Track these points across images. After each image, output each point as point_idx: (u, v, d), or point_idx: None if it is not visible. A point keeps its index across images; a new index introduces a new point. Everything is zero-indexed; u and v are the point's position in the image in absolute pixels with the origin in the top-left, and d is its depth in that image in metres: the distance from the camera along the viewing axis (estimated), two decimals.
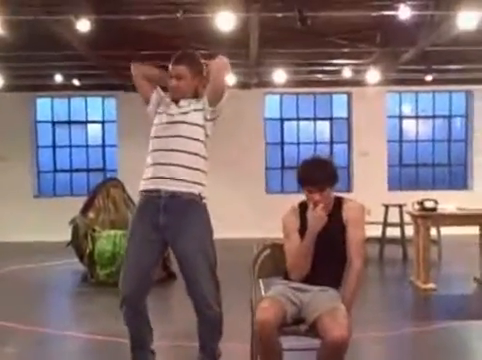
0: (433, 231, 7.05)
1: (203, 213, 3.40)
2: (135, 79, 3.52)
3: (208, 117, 3.42)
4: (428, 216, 6.29)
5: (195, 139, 3.40)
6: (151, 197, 3.37)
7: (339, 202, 3.19)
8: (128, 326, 3.46)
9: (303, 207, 3.19)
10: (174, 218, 3.31)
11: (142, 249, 3.33)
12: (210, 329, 3.48)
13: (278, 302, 3.01)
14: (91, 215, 7.49)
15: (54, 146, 11.84)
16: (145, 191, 3.42)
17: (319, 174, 3.12)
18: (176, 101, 3.42)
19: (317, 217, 3.07)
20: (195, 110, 3.41)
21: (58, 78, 10.00)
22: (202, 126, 3.42)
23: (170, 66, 3.40)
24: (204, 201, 3.40)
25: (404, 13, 6.49)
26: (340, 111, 11.76)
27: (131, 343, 3.54)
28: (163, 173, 3.35)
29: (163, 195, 3.32)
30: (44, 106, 11.84)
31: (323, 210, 3.08)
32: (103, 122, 11.76)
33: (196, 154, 3.40)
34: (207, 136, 3.44)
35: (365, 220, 3.19)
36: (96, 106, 11.77)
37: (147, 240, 3.34)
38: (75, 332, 4.82)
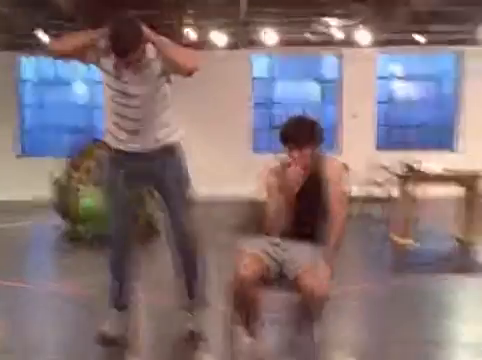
0: (418, 191, 7.05)
1: (178, 151, 3.46)
2: (62, 56, 3.22)
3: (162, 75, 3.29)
4: (413, 176, 6.28)
5: (162, 102, 3.35)
6: (126, 148, 3.35)
7: (321, 161, 3.18)
8: (110, 268, 3.49)
9: (284, 166, 3.19)
10: (151, 163, 3.37)
11: (122, 196, 3.40)
12: (193, 265, 3.52)
13: (259, 258, 3.02)
14: (75, 175, 7.43)
15: (39, 106, 11.67)
16: (116, 149, 3.40)
17: (300, 133, 3.13)
18: (125, 65, 3.19)
19: (295, 174, 3.05)
20: (157, 76, 3.27)
21: (43, 37, 9.78)
22: (160, 87, 3.31)
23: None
24: (176, 140, 3.44)
25: None
26: (330, 72, 11.63)
27: (110, 289, 3.55)
28: (132, 139, 3.33)
29: (141, 151, 3.35)
30: (29, 65, 11.62)
31: (301, 169, 3.05)
32: (89, 82, 11.58)
33: (165, 111, 3.35)
34: (169, 82, 3.35)
35: (347, 178, 3.18)
36: (82, 66, 11.54)
37: (125, 186, 3.40)
38: (58, 287, 4.86)
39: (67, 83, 11.66)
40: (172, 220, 3.48)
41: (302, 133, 3.12)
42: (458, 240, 6.52)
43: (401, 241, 6.27)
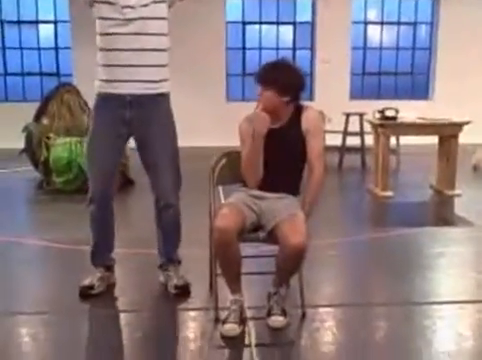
0: (393, 140, 7.08)
1: (168, 105, 3.36)
2: None
3: (169, 5, 3.24)
4: (388, 125, 6.29)
5: (161, 34, 3.20)
6: (114, 96, 3.22)
7: (298, 110, 3.12)
8: (93, 227, 3.43)
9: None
10: (141, 112, 3.24)
11: (108, 145, 3.27)
12: (170, 228, 3.48)
13: (237, 209, 2.99)
14: (45, 122, 7.22)
15: (3, 48, 11.20)
16: (105, 94, 3.24)
17: (271, 73, 3.02)
18: None
19: (258, 117, 2.97)
20: (155, 2, 3.16)
21: None
22: (166, 18, 3.20)
23: None
24: (169, 94, 3.36)
25: None
26: (304, 15, 11.39)
27: (93, 247, 3.52)
28: (125, 76, 3.17)
29: (128, 98, 3.21)
30: None
31: (263, 109, 2.97)
32: (55, 22, 11.11)
33: (162, 50, 3.23)
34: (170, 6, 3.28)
35: (324, 128, 3.14)
36: (47, 4, 11.06)
37: (112, 136, 3.28)
38: (32, 239, 4.76)
39: (31, 23, 11.15)
40: (152, 182, 3.38)
41: (272, 74, 3.01)
42: (435, 190, 6.60)
43: (379, 193, 6.31)
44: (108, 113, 3.26)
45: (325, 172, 3.10)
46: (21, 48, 11.18)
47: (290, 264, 2.93)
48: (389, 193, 6.30)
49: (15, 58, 11.19)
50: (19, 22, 11.14)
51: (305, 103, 3.19)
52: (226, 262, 2.96)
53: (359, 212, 5.99)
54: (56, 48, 11.17)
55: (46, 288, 3.80)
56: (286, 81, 3.01)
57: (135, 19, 3.11)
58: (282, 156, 3.07)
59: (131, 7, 3.11)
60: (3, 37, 11.15)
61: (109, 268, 3.60)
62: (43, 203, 6.28)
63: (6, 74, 11.26)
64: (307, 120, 3.08)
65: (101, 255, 3.54)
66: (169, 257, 3.57)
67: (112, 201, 3.43)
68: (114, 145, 3.32)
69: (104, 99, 3.27)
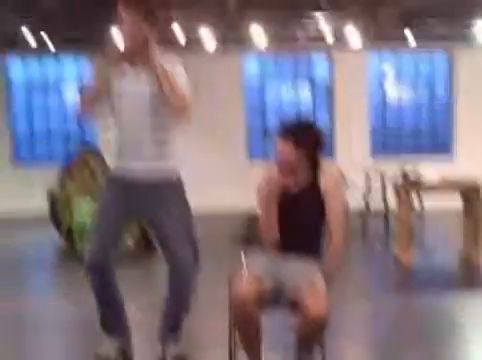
0: (416, 201, 7.01)
1: (180, 191, 3.38)
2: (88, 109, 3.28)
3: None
4: (411, 187, 6.22)
5: (156, 108, 3.26)
6: (127, 178, 3.28)
7: (317, 171, 3.09)
8: (96, 296, 3.38)
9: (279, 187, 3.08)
10: (149, 200, 3.28)
11: (110, 215, 3.29)
12: (180, 299, 3.40)
13: (257, 277, 2.95)
14: (68, 185, 7.31)
15: (29, 111, 11.46)
16: (118, 169, 3.33)
17: (290, 127, 3.04)
18: (130, 62, 3.23)
19: (273, 177, 3.00)
20: (151, 77, 3.24)
21: (32, 42, 9.58)
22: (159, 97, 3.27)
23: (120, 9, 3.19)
24: (179, 174, 3.38)
25: None
26: (321, 74, 11.55)
27: (100, 316, 3.45)
28: (135, 157, 3.26)
29: (139, 175, 3.27)
30: (18, 68, 11.39)
31: (279, 164, 2.99)
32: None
33: (163, 126, 3.29)
34: None
35: (343, 187, 3.11)
36: (73, 69, 11.38)
37: (116, 207, 3.30)
38: (52, 304, 4.78)
39: (57, 86, 11.45)
40: (169, 255, 3.36)
41: (289, 127, 3.03)
42: (463, 253, 6.46)
43: (403, 257, 6.19)
44: (117, 185, 3.33)
45: (346, 236, 3.05)
46: (48, 112, 11.43)
47: (311, 335, 2.86)
48: (414, 258, 6.16)
49: (41, 120, 11.43)
50: (46, 86, 11.43)
51: (324, 161, 3.14)
52: (246, 333, 2.90)
53: (383, 277, 5.87)
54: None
55: (61, 354, 3.76)
56: (305, 136, 3.02)
57: (135, 93, 3.23)
58: (301, 219, 3.04)
59: (128, 81, 3.24)
60: (29, 99, 11.43)
61: (120, 334, 3.51)
62: (64, 268, 6.31)
63: (32, 136, 11.49)
64: (326, 182, 3.05)
65: (105, 321, 3.47)
66: (172, 328, 3.46)
67: (111, 271, 3.35)
68: (118, 222, 3.34)
69: (115, 179, 3.36)
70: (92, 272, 3.29)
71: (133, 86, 3.21)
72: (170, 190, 3.33)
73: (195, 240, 3.42)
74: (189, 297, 3.44)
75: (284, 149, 2.98)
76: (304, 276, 2.95)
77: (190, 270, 3.36)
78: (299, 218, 3.03)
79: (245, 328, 2.88)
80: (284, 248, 3.05)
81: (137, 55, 3.21)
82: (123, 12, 3.17)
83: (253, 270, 3.01)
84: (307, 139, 3.00)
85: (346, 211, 3.17)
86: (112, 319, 3.48)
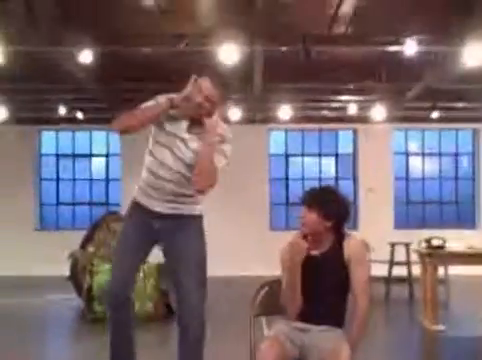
0: (441, 270, 6.86)
1: (200, 223, 3.35)
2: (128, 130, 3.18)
3: None
4: (436, 254, 6.12)
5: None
6: (148, 205, 3.29)
7: (340, 238, 3.04)
8: (112, 333, 3.29)
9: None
10: (170, 224, 3.25)
11: (133, 247, 3.26)
12: (193, 349, 3.29)
13: (279, 343, 2.86)
14: (91, 249, 7.35)
15: (58, 179, 11.79)
16: (140, 203, 3.32)
17: (316, 196, 3.01)
18: (186, 121, 3.19)
19: (297, 244, 2.93)
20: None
21: (62, 111, 9.99)
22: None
23: (202, 81, 3.13)
24: (202, 212, 3.36)
25: (410, 48, 6.43)
26: (346, 147, 11.69)
27: (111, 355, 3.35)
28: (163, 202, 3.25)
29: (162, 210, 3.26)
30: (49, 139, 11.84)
31: (303, 233, 2.94)
32: (107, 155, 11.71)
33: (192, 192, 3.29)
34: None
35: (369, 257, 3.05)
36: (100, 139, 11.75)
37: (137, 239, 3.27)
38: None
39: (85, 156, 11.78)
40: (180, 296, 3.28)
41: (316, 196, 3.00)
42: None
43: (430, 326, 6.00)
44: (139, 217, 3.31)
45: (370, 304, 2.98)
46: (74, 179, 11.73)
47: None
48: (440, 327, 5.98)
49: (68, 189, 11.72)
50: (73, 155, 11.78)
51: (348, 232, 3.16)
52: None
53: (409, 347, 5.66)
54: (107, 179, 11.66)
55: None
56: (331, 205, 2.98)
57: (179, 158, 3.20)
58: (324, 284, 2.97)
59: (181, 140, 3.21)
60: (58, 169, 11.77)
61: None
62: (83, 332, 6.21)
63: (58, 203, 11.72)
64: (349, 248, 2.98)
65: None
66: None
67: (129, 304, 3.29)
68: (139, 248, 3.31)
69: (138, 205, 3.34)
70: (113, 303, 3.24)
71: (180, 146, 3.19)
72: (192, 221, 3.32)
73: (205, 279, 3.36)
74: (201, 341, 3.31)
75: (309, 218, 2.98)
76: (328, 344, 2.85)
77: (200, 313, 3.26)
78: (321, 283, 2.98)
79: None
80: (306, 314, 2.99)
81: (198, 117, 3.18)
82: (209, 87, 3.11)
83: (275, 336, 2.93)
84: (332, 208, 2.99)
85: (369, 278, 3.09)
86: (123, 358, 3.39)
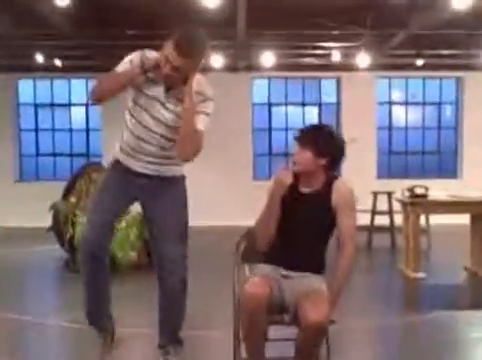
0: (422, 219, 6.92)
1: (183, 186, 3.32)
2: (104, 99, 3.07)
3: None
4: (418, 203, 6.16)
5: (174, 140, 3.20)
6: (130, 165, 3.25)
7: (331, 180, 2.98)
8: (86, 279, 3.28)
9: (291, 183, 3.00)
10: (152, 185, 3.23)
11: (113, 199, 3.23)
12: (174, 302, 3.31)
13: (267, 280, 2.87)
14: (72, 199, 7.28)
15: (37, 129, 11.57)
16: (122, 163, 3.27)
17: (312, 133, 2.96)
18: (165, 83, 3.08)
19: (281, 176, 2.91)
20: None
21: (40, 59, 9.70)
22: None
23: (170, 48, 2.94)
24: (183, 173, 3.33)
25: None
26: (329, 96, 11.58)
27: (87, 306, 3.36)
28: (147, 163, 3.21)
29: (143, 170, 3.24)
30: (26, 88, 11.53)
31: (295, 170, 2.92)
32: (87, 105, 11.47)
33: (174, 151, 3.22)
34: None
35: (355, 205, 3.00)
36: (80, 88, 11.47)
37: (117, 191, 3.24)
38: (55, 320, 4.69)
39: (64, 106, 11.54)
40: (159, 250, 3.26)
41: (311, 133, 2.95)
42: (470, 272, 6.36)
43: (411, 274, 6.09)
44: (121, 173, 3.27)
45: (355, 252, 2.97)
46: (53, 130, 11.52)
47: (309, 343, 2.75)
48: (421, 274, 6.07)
49: (47, 139, 11.52)
50: (52, 105, 11.54)
51: (338, 175, 3.06)
52: (252, 333, 2.79)
53: (390, 294, 5.76)
54: (87, 130, 11.47)
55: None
56: (325, 143, 2.92)
57: (161, 121, 3.14)
58: (306, 225, 2.94)
59: (161, 106, 3.13)
60: (36, 119, 11.53)
61: (107, 333, 3.42)
62: (67, 282, 6.22)
63: (38, 154, 11.55)
64: (339, 192, 2.94)
65: (96, 316, 3.38)
66: (170, 336, 3.36)
67: (105, 257, 3.27)
68: (119, 200, 3.27)
69: (120, 164, 3.29)
70: (88, 252, 3.18)
71: (159, 109, 3.11)
72: (174, 184, 3.28)
73: (186, 238, 3.33)
74: (183, 295, 3.33)
75: (302, 156, 2.92)
76: (306, 287, 2.87)
77: (181, 267, 3.25)
78: (304, 222, 2.94)
79: (252, 327, 2.77)
80: (287, 260, 2.97)
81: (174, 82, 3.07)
82: (177, 58, 2.94)
83: (261, 273, 2.94)
84: (326, 146, 2.92)
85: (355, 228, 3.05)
86: (96, 310, 3.39)
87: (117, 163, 3.30)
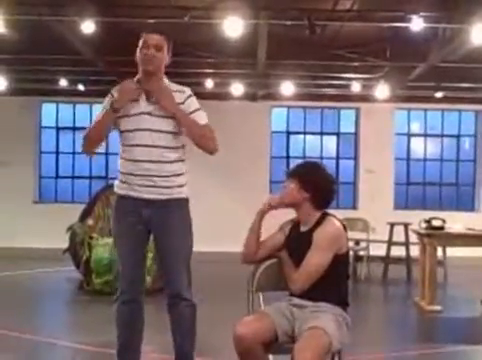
0: (439, 251, 6.86)
1: (186, 210, 3.37)
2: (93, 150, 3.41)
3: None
4: (435, 235, 6.10)
5: (173, 148, 3.26)
6: (132, 197, 3.28)
7: (322, 219, 3.01)
8: (120, 324, 3.33)
9: (293, 223, 3.11)
10: (158, 213, 3.26)
11: (131, 242, 3.29)
12: (186, 327, 3.33)
13: (265, 317, 2.86)
14: (90, 222, 7.33)
15: (57, 152, 11.74)
16: (126, 196, 3.30)
17: (299, 167, 3.10)
18: (146, 96, 3.22)
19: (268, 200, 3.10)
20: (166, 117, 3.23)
21: (63, 83, 9.91)
22: (174, 129, 3.26)
23: (146, 35, 3.22)
24: (185, 196, 3.36)
25: (416, 25, 6.30)
26: (348, 126, 11.61)
27: (119, 346, 3.37)
28: (144, 185, 3.24)
29: (146, 196, 3.26)
30: (49, 111, 11.75)
31: (279, 201, 3.06)
32: None
33: (176, 159, 3.28)
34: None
35: (332, 246, 2.96)
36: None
37: (133, 233, 3.28)
38: (67, 341, 4.69)
39: (85, 129, 11.69)
40: (167, 278, 3.32)
41: (298, 167, 3.09)
42: None
43: (426, 306, 6.01)
44: (127, 212, 3.28)
45: (301, 287, 2.92)
46: (74, 153, 11.67)
47: None
48: (437, 307, 5.98)
49: (68, 162, 11.67)
50: (74, 128, 11.72)
51: (330, 213, 3.06)
52: None
53: (405, 326, 5.68)
54: (107, 153, 11.60)
55: None
56: (310, 176, 3.01)
57: (150, 130, 3.20)
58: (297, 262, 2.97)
59: (143, 114, 3.23)
60: (58, 142, 11.71)
61: None
62: (80, 304, 6.24)
63: (57, 176, 11.70)
64: (320, 229, 2.97)
65: (126, 353, 3.38)
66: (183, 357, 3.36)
67: (141, 297, 3.34)
68: (136, 241, 3.31)
69: (123, 198, 3.31)
70: (125, 300, 3.28)
71: (148, 119, 3.20)
72: (178, 209, 3.31)
73: (189, 264, 3.37)
74: (194, 320, 3.34)
75: (288, 187, 3.03)
76: (314, 319, 2.82)
77: (189, 293, 3.30)
78: (305, 256, 2.95)
79: None
80: (304, 291, 2.95)
81: (152, 85, 3.20)
82: (153, 36, 3.20)
83: (263, 310, 2.96)
84: (311, 179, 3.01)
85: (318, 271, 2.96)
86: (129, 349, 3.38)
87: (120, 200, 3.32)
